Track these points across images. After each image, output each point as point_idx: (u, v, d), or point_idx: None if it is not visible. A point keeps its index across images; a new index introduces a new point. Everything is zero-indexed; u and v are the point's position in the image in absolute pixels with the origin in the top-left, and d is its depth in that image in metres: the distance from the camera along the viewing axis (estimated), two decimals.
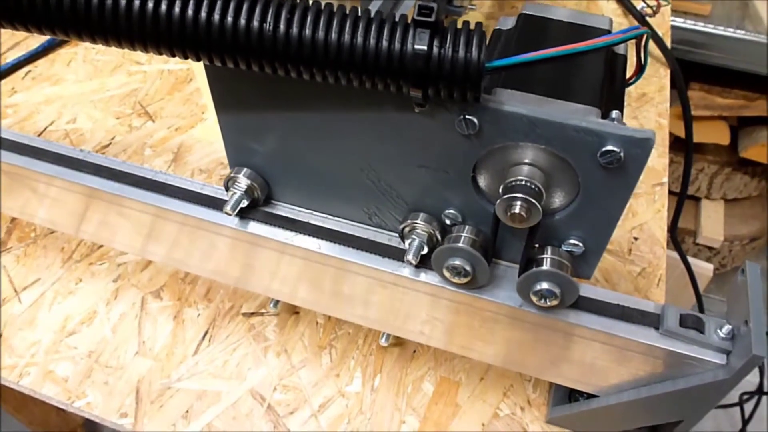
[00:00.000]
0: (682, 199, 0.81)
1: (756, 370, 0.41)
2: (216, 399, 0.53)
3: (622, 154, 0.34)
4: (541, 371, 0.50)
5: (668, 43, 0.89)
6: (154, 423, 0.51)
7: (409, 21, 0.33)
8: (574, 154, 0.36)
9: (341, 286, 0.49)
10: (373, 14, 0.33)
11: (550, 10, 0.45)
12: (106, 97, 0.80)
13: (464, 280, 0.43)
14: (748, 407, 1.15)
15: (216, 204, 0.48)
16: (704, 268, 1.30)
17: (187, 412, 0.52)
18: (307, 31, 0.32)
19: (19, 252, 0.63)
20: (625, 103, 0.82)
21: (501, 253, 0.45)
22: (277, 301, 0.55)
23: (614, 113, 0.37)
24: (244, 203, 0.47)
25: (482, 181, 0.41)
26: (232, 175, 0.47)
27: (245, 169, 0.47)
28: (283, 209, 0.49)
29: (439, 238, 0.44)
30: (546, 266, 0.40)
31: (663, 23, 0.95)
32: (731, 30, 1.23)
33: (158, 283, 0.61)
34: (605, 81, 0.40)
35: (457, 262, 0.42)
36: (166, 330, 0.58)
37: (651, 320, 0.43)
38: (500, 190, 0.38)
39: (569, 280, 0.40)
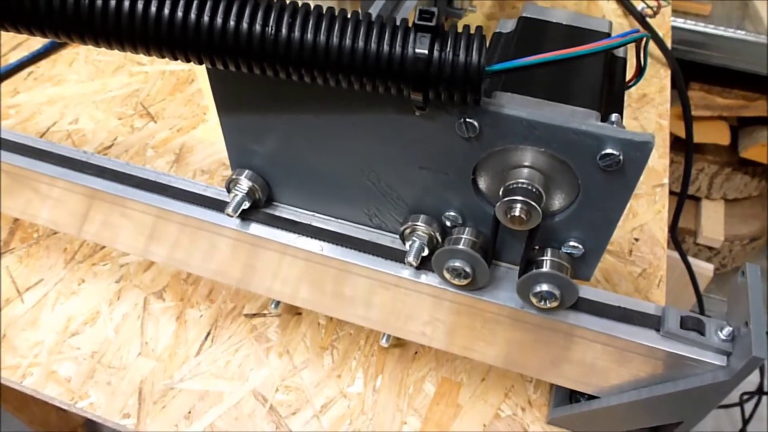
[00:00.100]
0: (682, 199, 0.81)
1: (756, 371, 0.41)
2: (218, 399, 0.53)
3: (621, 157, 0.35)
4: (542, 372, 0.50)
5: (668, 44, 0.89)
6: (156, 423, 0.52)
7: (410, 25, 0.33)
8: (574, 157, 0.36)
9: (343, 288, 0.49)
10: (374, 18, 0.33)
11: (550, 12, 0.45)
12: (108, 98, 0.80)
13: (464, 282, 0.43)
14: (749, 407, 1.15)
15: (218, 205, 0.49)
16: (704, 268, 1.30)
17: (189, 412, 0.53)
18: (309, 35, 0.33)
19: (22, 252, 0.64)
20: (626, 104, 0.82)
21: (501, 255, 0.45)
22: (278, 302, 0.56)
23: (614, 116, 0.37)
24: (246, 205, 0.47)
25: (482, 184, 0.41)
26: (233, 176, 0.47)
27: (247, 171, 0.47)
28: (285, 211, 0.49)
29: (440, 239, 0.44)
30: (546, 268, 0.40)
31: (663, 24, 0.95)
32: (731, 30, 1.23)
33: (161, 283, 0.61)
34: (605, 84, 0.40)
35: (458, 263, 0.42)
36: (169, 331, 0.58)
37: (652, 322, 0.43)
38: (500, 193, 0.38)
39: (569, 282, 0.40)
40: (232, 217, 0.46)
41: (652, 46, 0.88)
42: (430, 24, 0.32)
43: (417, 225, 0.44)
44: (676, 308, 0.43)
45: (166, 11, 0.33)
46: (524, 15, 0.45)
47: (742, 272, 0.41)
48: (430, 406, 0.54)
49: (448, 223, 0.44)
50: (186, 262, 0.55)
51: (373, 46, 0.32)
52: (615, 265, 0.64)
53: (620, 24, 0.95)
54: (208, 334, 0.58)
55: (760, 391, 1.09)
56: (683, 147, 0.81)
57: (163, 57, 0.35)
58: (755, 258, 1.67)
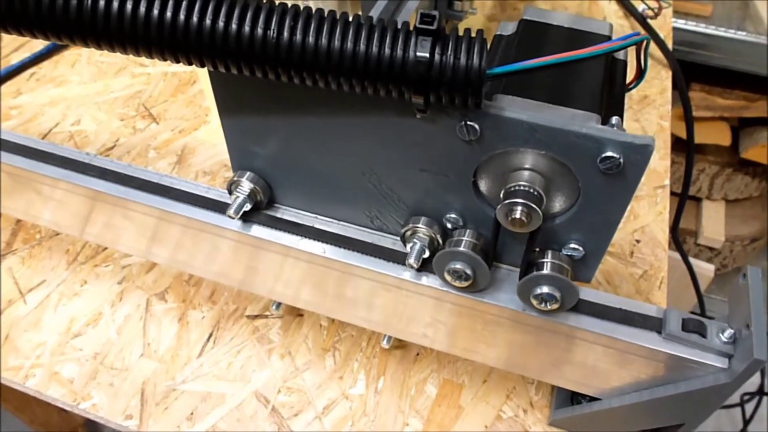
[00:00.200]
0: (683, 199, 0.81)
1: (757, 372, 0.41)
2: (220, 401, 0.54)
3: (621, 160, 0.35)
4: (543, 374, 0.50)
5: (670, 45, 0.89)
6: (158, 425, 0.52)
7: (412, 28, 0.33)
8: (574, 160, 0.36)
9: (345, 289, 0.49)
10: (375, 21, 0.33)
11: (551, 15, 0.45)
12: (110, 99, 0.80)
13: (465, 284, 0.43)
14: (749, 408, 1.15)
15: (220, 207, 0.49)
16: (705, 269, 1.30)
17: (191, 413, 0.53)
18: (311, 39, 0.33)
19: (25, 254, 0.64)
20: (627, 106, 0.82)
21: (502, 257, 0.45)
22: (279, 303, 0.56)
23: (614, 119, 0.37)
24: (247, 207, 0.47)
25: (483, 186, 0.41)
26: (235, 178, 0.47)
27: (248, 173, 0.47)
28: (286, 212, 0.49)
29: (441, 241, 0.44)
30: (546, 270, 0.41)
31: (664, 25, 0.95)
32: (732, 31, 1.23)
33: (163, 285, 0.61)
34: (605, 86, 0.40)
35: (458, 265, 0.42)
36: (171, 332, 0.58)
37: (653, 324, 0.43)
38: (501, 195, 0.38)
39: (569, 284, 0.40)
40: (233, 219, 0.46)
41: (653, 47, 0.88)
42: (431, 27, 0.32)
43: (418, 227, 0.44)
44: (677, 310, 0.43)
45: (168, 14, 0.33)
46: (525, 18, 0.46)
47: (743, 274, 0.41)
48: (432, 407, 0.54)
49: (449, 225, 0.44)
50: (188, 263, 0.55)
51: (375, 49, 0.32)
52: (616, 267, 0.64)
53: (621, 25, 0.95)
54: (210, 335, 0.58)
55: (760, 392, 1.10)
56: (684, 148, 0.81)
57: (165, 60, 0.35)
58: (756, 258, 1.67)
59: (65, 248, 0.64)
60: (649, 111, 0.82)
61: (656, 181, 0.73)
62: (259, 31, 0.33)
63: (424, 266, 0.45)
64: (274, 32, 0.33)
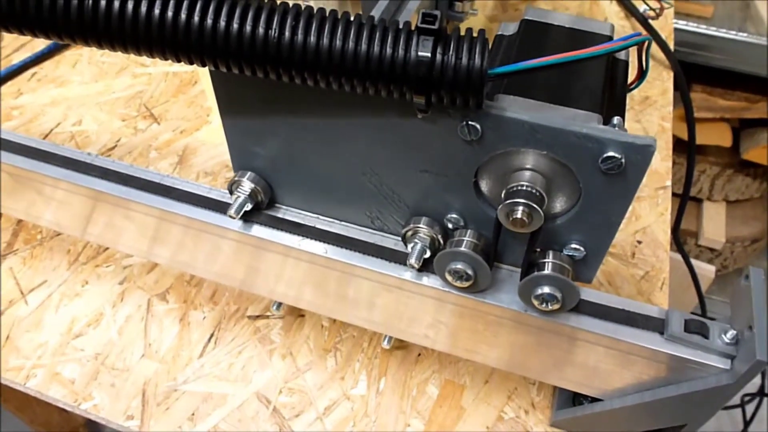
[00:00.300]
0: (684, 200, 0.81)
1: None
2: (222, 401, 0.54)
3: (623, 160, 0.35)
4: (544, 375, 0.50)
5: (671, 46, 0.89)
6: (160, 425, 0.52)
7: (413, 28, 0.33)
8: (576, 160, 0.36)
9: (346, 290, 0.49)
10: (376, 21, 0.33)
11: (552, 15, 0.46)
12: (112, 99, 0.80)
13: (466, 284, 0.43)
14: (750, 408, 1.15)
15: (222, 207, 0.49)
16: (706, 270, 1.30)
17: (193, 414, 0.53)
18: (312, 38, 0.33)
19: (26, 254, 0.64)
20: (629, 107, 0.82)
21: (502, 257, 0.45)
22: (280, 304, 0.56)
23: (615, 119, 0.37)
24: (248, 206, 0.47)
25: (484, 186, 0.41)
26: (236, 178, 0.47)
27: (249, 173, 0.47)
28: (287, 213, 0.49)
29: (442, 242, 0.44)
30: (547, 270, 0.41)
31: (666, 26, 0.95)
32: (733, 32, 1.23)
33: (164, 285, 0.61)
34: (606, 87, 0.40)
35: (459, 266, 0.42)
36: (172, 332, 0.58)
37: (655, 325, 0.43)
38: (502, 195, 0.38)
39: (570, 284, 0.40)
40: (234, 218, 0.46)
41: (655, 48, 0.88)
42: (432, 27, 0.32)
43: (419, 227, 0.44)
44: (679, 311, 0.43)
45: (170, 13, 0.33)
46: (526, 18, 0.46)
47: (745, 276, 0.41)
48: (434, 408, 0.54)
49: (450, 226, 0.44)
50: (189, 264, 0.55)
51: (376, 49, 0.32)
52: (618, 268, 0.64)
53: (622, 26, 0.95)
54: (212, 336, 0.58)
55: (761, 393, 1.09)
56: (685, 149, 0.81)
57: (166, 59, 0.35)
58: (756, 259, 1.67)
59: (66, 248, 0.64)
60: (651, 112, 0.82)
61: (658, 182, 0.73)
62: (261, 30, 0.33)
63: (425, 267, 0.45)
64: (275, 32, 0.33)
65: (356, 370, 0.56)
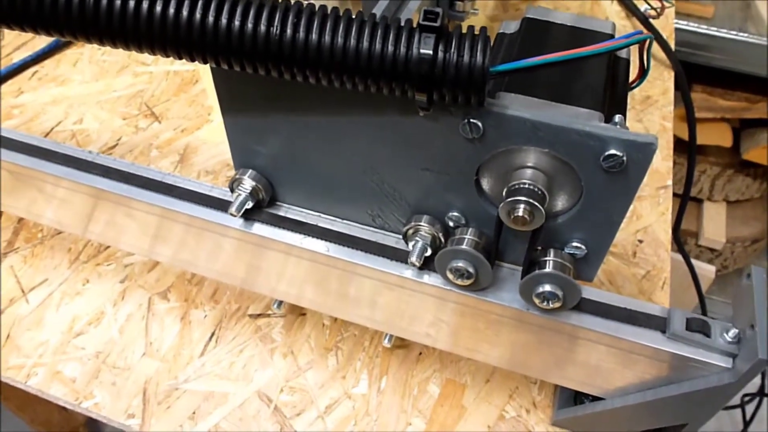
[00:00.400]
0: (685, 200, 0.81)
1: None
2: (223, 400, 0.54)
3: (624, 158, 0.35)
4: (546, 373, 0.50)
5: (672, 46, 0.89)
6: (161, 424, 0.52)
7: (415, 26, 0.33)
8: (577, 158, 0.36)
9: (347, 288, 0.49)
10: (378, 19, 0.33)
11: (553, 14, 0.46)
12: (113, 98, 0.80)
13: (467, 282, 0.43)
14: (750, 408, 1.14)
15: (223, 206, 0.49)
16: (706, 270, 1.30)
17: (194, 413, 0.53)
18: (314, 36, 0.33)
19: (27, 252, 0.64)
20: (630, 106, 0.82)
21: (504, 256, 0.45)
22: (281, 302, 0.56)
23: (617, 117, 0.37)
24: (249, 204, 0.47)
25: (485, 184, 0.41)
26: (237, 176, 0.47)
27: (250, 171, 0.47)
28: (288, 211, 0.49)
29: (443, 240, 0.44)
30: (548, 269, 0.40)
31: (667, 26, 0.95)
32: (733, 32, 1.23)
33: (165, 284, 0.61)
34: (608, 85, 0.40)
35: (460, 264, 0.42)
36: (173, 331, 0.58)
37: (657, 323, 0.43)
38: (504, 193, 0.38)
39: (571, 283, 0.40)
40: (235, 216, 0.46)
41: (656, 48, 0.88)
42: (434, 24, 0.32)
43: (420, 225, 0.44)
44: (681, 310, 0.43)
45: (171, 10, 0.33)
46: (527, 16, 0.46)
47: (747, 275, 0.41)
48: (435, 407, 0.54)
49: (451, 224, 0.44)
50: (190, 262, 0.55)
51: (378, 46, 0.32)
52: (619, 267, 0.64)
53: (623, 26, 0.95)
54: (213, 334, 0.58)
55: (761, 393, 1.09)
56: (685, 149, 0.81)
57: (167, 56, 0.35)
58: (756, 260, 1.67)
59: (67, 247, 0.64)
60: (652, 111, 0.82)
61: (659, 182, 0.73)
62: (263, 27, 0.33)
63: (427, 265, 0.45)
64: (277, 29, 0.33)
65: (357, 369, 0.56)
